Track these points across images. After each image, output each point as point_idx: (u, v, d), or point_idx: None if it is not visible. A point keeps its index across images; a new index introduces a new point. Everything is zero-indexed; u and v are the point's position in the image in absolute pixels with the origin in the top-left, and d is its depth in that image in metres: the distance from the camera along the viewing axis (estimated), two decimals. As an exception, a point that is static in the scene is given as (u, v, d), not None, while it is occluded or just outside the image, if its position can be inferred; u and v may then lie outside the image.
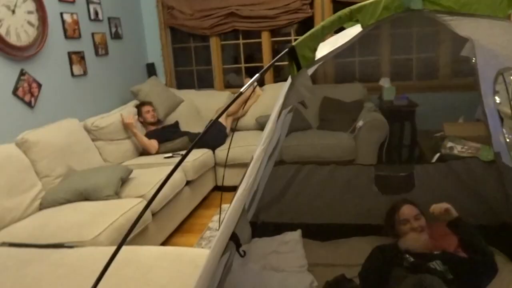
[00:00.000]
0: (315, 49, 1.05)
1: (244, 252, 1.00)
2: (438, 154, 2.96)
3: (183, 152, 3.54)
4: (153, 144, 3.59)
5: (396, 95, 3.90)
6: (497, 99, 1.89)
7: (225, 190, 3.86)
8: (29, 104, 2.95)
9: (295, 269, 2.12)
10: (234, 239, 0.95)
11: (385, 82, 4.01)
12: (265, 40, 4.53)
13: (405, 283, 1.61)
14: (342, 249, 2.40)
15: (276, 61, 1.00)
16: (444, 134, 3.23)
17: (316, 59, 1.05)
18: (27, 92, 2.93)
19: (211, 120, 4.07)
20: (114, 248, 2.00)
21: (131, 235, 2.32)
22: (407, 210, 2.14)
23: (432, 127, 3.69)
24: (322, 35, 1.04)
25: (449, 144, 3.01)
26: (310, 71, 1.18)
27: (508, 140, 2.04)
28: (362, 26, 1.14)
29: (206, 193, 3.71)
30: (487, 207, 2.46)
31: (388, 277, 1.87)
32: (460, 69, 4.10)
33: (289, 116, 1.71)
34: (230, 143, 2.76)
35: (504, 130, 1.94)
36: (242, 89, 0.89)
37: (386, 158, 3.65)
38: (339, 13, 1.12)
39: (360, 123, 3.61)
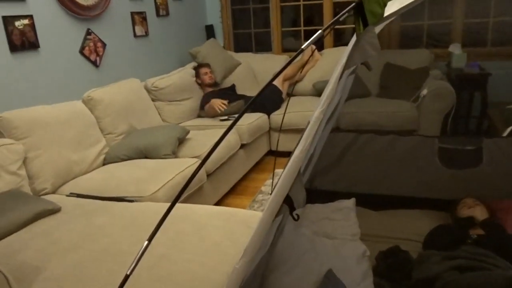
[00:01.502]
0: (385, 4, 0.97)
1: (298, 216, 0.99)
2: (511, 128, 2.73)
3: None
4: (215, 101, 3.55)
5: (466, 63, 3.61)
6: None
7: (279, 155, 3.87)
8: (94, 63, 3.07)
9: (348, 237, 2.08)
10: (288, 202, 0.93)
11: (455, 48, 3.72)
12: (327, 2, 4.33)
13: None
14: (397, 221, 2.32)
15: (339, 22, 0.94)
16: (520, 106, 2.96)
17: (384, 16, 0.97)
18: (93, 52, 3.04)
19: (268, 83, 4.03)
20: (167, 205, 2.07)
21: (186, 193, 2.41)
22: (468, 200, 2.14)
23: (505, 99, 3.40)
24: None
25: (525, 117, 2.76)
26: (377, 30, 1.10)
27: None
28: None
29: (260, 157, 3.73)
30: None
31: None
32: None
33: (351, 78, 1.63)
34: (286, 107, 2.71)
35: None
36: (303, 46, 0.84)
37: (451, 130, 3.43)
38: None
39: (424, 92, 3.40)
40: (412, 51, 3.96)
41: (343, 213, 2.28)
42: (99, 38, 3.10)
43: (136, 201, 2.11)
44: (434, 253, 1.84)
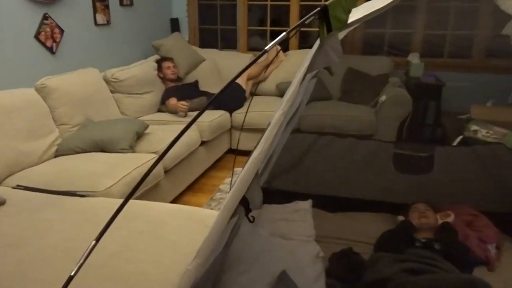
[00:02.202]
0: (349, 11, 0.98)
1: (253, 217, 0.98)
2: (461, 137, 2.87)
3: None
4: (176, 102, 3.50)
5: (424, 72, 3.75)
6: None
7: (239, 153, 3.86)
8: (50, 50, 2.92)
9: (303, 238, 2.10)
10: (244, 204, 0.92)
11: (413, 58, 3.85)
12: (294, 4, 4.36)
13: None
14: (352, 223, 2.37)
15: (304, 25, 0.93)
16: (470, 117, 3.11)
17: (348, 22, 0.98)
18: (49, 37, 2.90)
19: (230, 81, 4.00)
20: (121, 201, 2.00)
21: (142, 189, 2.35)
22: (419, 205, 2.22)
23: (458, 109, 3.55)
24: (358, -3, 0.97)
25: (474, 127, 2.91)
26: (340, 35, 1.10)
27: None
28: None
29: (220, 155, 3.70)
30: (505, 194, 2.39)
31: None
32: (496, 50, 3.89)
33: (313, 82, 1.64)
34: (248, 106, 2.71)
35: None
36: (267, 47, 0.83)
37: (406, 136, 3.55)
38: (379, -26, 1.03)
39: (383, 98, 3.50)
40: (374, 57, 4.07)
41: (300, 215, 2.30)
42: (57, 24, 2.96)
43: (88, 196, 2.03)
44: (384, 256, 1.89)
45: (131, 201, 2.05)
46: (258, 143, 0.89)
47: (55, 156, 2.55)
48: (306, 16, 0.90)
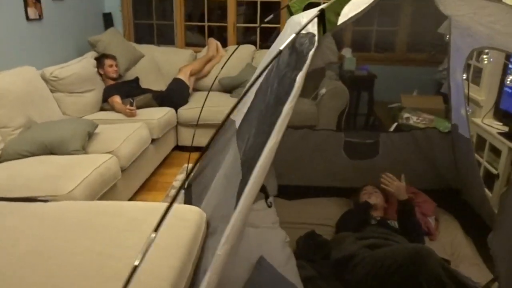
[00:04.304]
0: (339, 14, 1.09)
1: (271, 203, 1.06)
2: (395, 124, 3.18)
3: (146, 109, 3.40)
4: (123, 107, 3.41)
5: (356, 66, 4.05)
6: (464, 76, 2.06)
7: (186, 150, 3.89)
8: (-19, 47, 2.70)
9: (269, 225, 2.22)
10: (263, 190, 1.00)
11: (347, 52, 4.14)
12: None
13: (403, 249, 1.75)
14: (310, 209, 2.54)
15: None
16: (401, 105, 3.45)
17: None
18: (-21, 34, 2.67)
19: (177, 79, 3.98)
20: (91, 202, 1.96)
21: (102, 191, 2.30)
22: (368, 187, 2.44)
23: (388, 99, 3.91)
24: (346, 2, 1.08)
25: (406, 114, 3.23)
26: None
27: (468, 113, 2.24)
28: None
29: (167, 152, 3.68)
30: (437, 173, 2.72)
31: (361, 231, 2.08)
32: (415, 45, 4.32)
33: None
34: (204, 102, 2.74)
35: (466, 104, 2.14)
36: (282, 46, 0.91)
37: (344, 125, 3.83)
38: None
39: (323, 91, 3.73)
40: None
41: (263, 203, 2.41)
42: (-13, 19, 2.74)
43: (51, 200, 1.94)
44: (348, 235, 2.08)
45: (102, 202, 2.02)
46: (270, 133, 0.97)
47: (0, 162, 2.38)
48: (309, 20, 1.00)
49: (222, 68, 2.74)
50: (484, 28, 1.49)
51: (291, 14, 1.95)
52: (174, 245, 1.56)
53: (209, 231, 1.86)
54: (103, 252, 1.46)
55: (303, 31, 1.64)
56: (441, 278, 1.50)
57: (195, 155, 3.44)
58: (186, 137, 3.82)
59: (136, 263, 0.73)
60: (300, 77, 1.03)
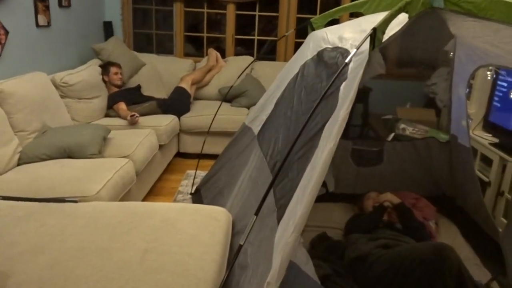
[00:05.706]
0: (384, 33, 1.24)
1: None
2: (393, 134, 3.36)
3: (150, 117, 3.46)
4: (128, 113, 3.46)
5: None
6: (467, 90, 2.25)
7: (187, 157, 4.00)
8: (-3, 52, 2.74)
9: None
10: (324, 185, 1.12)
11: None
12: (230, 12, 4.58)
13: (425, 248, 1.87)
14: (318, 213, 2.66)
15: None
16: (396, 117, 3.65)
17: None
18: (-4, 39, 2.71)
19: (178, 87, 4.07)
20: (121, 203, 2.03)
21: (122, 193, 2.37)
22: (372, 194, 2.57)
23: (381, 111, 4.11)
24: (390, 20, 1.23)
25: (402, 125, 3.43)
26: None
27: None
28: (410, 17, 1.35)
29: (170, 159, 3.76)
30: (434, 181, 2.90)
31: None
32: (404, 61, 4.55)
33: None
34: (217, 111, 2.86)
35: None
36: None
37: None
38: (396, 7, 1.31)
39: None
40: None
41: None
42: (2, 25, 2.78)
43: (80, 201, 2.01)
44: (360, 236, 2.21)
45: (132, 203, 2.10)
46: (328, 137, 1.10)
47: (18, 164, 2.42)
48: (362, 40, 1.14)
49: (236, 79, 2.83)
50: (494, 48, 1.66)
51: (313, 29, 2.11)
52: (213, 241, 1.66)
53: (235, 231, 1.97)
54: (144, 248, 1.54)
55: (330, 46, 1.80)
56: (462, 272, 1.64)
57: (194, 162, 3.57)
58: (188, 144, 3.91)
59: (241, 242, 0.84)
60: (344, 87, 1.17)
